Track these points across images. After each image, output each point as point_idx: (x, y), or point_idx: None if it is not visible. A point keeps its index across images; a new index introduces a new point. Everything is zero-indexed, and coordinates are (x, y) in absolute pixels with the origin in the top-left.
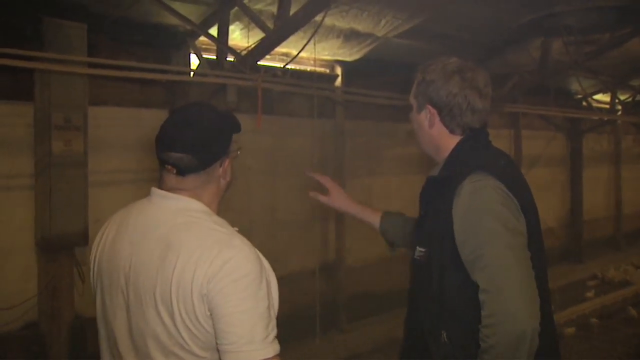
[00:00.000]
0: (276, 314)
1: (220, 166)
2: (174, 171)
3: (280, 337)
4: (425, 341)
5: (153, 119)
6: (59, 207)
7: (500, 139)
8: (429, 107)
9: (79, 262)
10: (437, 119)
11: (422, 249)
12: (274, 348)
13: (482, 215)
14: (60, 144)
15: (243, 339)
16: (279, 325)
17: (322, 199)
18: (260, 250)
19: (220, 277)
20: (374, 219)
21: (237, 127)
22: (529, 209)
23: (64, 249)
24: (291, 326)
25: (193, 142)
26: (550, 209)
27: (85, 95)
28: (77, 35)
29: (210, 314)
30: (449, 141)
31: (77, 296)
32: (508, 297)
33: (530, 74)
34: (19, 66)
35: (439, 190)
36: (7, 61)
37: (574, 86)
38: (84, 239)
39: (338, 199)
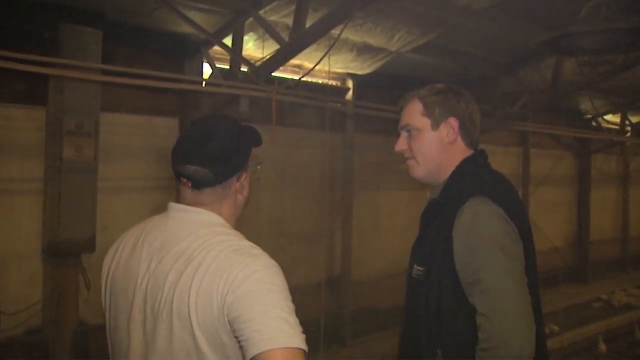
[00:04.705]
0: None
1: (238, 180)
2: (189, 185)
3: None
4: (420, 359)
5: (164, 127)
6: (67, 213)
7: (508, 157)
8: (452, 119)
9: (85, 269)
10: (459, 131)
11: (421, 268)
12: (304, 344)
13: (481, 239)
14: (71, 150)
15: (271, 331)
16: None
17: None
18: None
19: (245, 287)
20: None
21: (257, 141)
22: (526, 235)
23: (70, 255)
24: None
25: (209, 155)
26: (557, 229)
27: (98, 102)
28: (93, 41)
29: (232, 326)
30: (459, 158)
31: (82, 303)
32: (505, 322)
33: (541, 93)
34: (34, 71)
35: (440, 211)
36: (22, 66)
37: (584, 105)
38: (91, 245)
39: None
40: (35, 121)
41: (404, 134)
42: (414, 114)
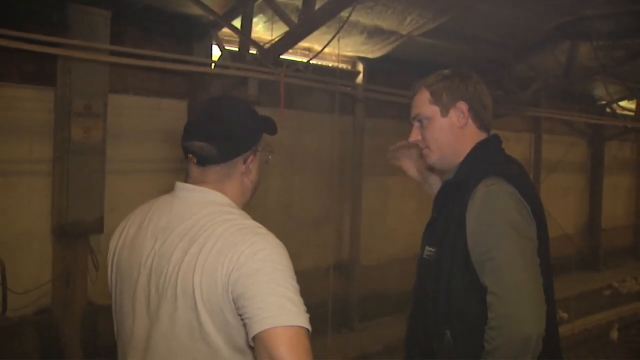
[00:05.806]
0: None
1: (244, 162)
2: (194, 160)
3: None
4: (428, 340)
5: (172, 109)
6: (75, 194)
7: (520, 142)
8: (461, 104)
9: (93, 250)
10: (469, 115)
11: (432, 249)
12: (308, 323)
13: (495, 219)
14: (80, 131)
15: (275, 309)
16: None
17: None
18: None
19: (250, 265)
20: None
21: (270, 129)
22: (539, 217)
23: (79, 236)
24: None
25: (215, 132)
26: (569, 216)
27: (106, 83)
28: (101, 22)
29: (236, 304)
30: (472, 141)
31: (90, 283)
32: (515, 302)
33: (555, 78)
34: (42, 52)
35: (453, 193)
36: (30, 46)
37: (598, 91)
38: (99, 226)
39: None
40: (44, 102)
41: (416, 124)
42: (423, 103)
